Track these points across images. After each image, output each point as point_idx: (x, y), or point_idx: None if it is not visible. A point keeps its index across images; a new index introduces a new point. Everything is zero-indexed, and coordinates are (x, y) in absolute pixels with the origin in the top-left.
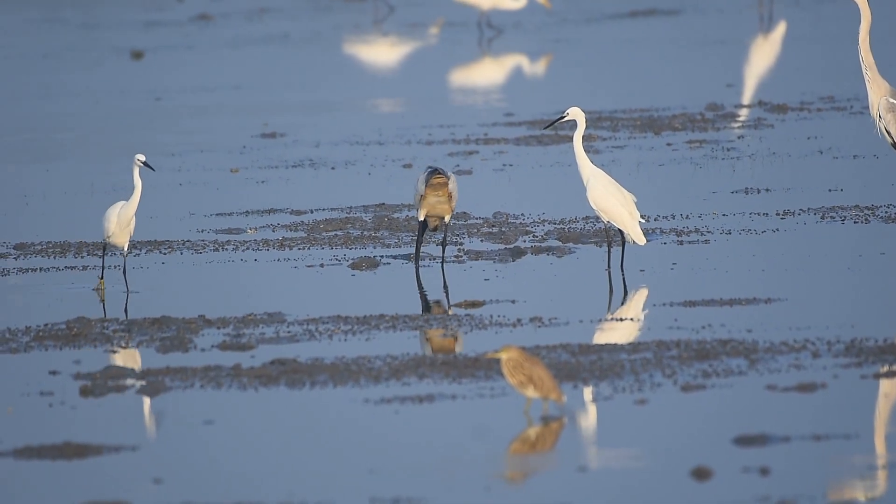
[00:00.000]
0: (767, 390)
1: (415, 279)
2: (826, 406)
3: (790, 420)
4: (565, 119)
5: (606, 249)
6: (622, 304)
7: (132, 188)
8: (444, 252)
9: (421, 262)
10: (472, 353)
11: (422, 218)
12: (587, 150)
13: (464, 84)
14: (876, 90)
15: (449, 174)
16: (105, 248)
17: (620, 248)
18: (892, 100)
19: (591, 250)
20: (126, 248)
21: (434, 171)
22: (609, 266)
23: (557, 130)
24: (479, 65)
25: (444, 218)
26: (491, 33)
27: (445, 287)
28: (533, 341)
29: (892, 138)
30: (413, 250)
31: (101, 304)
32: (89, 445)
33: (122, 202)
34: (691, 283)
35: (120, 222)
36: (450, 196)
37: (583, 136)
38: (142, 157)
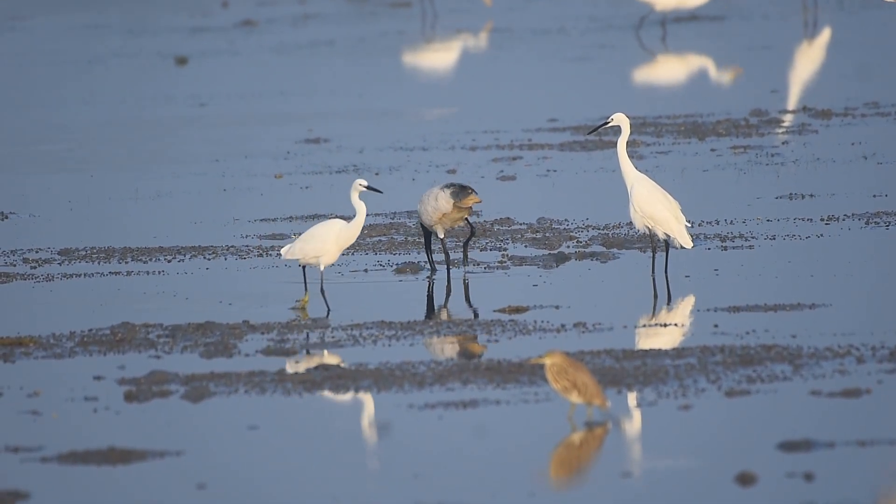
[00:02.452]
0: (812, 396)
1: (459, 285)
2: (871, 411)
3: (834, 426)
4: (609, 125)
5: (651, 255)
6: (666, 309)
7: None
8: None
9: (465, 268)
10: (515, 358)
11: (442, 235)
12: (631, 156)
13: (508, 89)
14: None
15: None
16: (304, 266)
17: (664, 253)
18: None
19: (635, 256)
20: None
21: (465, 190)
22: (654, 272)
23: (601, 136)
24: (521, 70)
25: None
26: (658, 32)
27: (444, 294)
28: (577, 346)
29: None
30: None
31: (300, 316)
32: (133, 451)
33: (340, 221)
34: (735, 289)
35: (339, 243)
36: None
37: (627, 142)
38: (363, 182)
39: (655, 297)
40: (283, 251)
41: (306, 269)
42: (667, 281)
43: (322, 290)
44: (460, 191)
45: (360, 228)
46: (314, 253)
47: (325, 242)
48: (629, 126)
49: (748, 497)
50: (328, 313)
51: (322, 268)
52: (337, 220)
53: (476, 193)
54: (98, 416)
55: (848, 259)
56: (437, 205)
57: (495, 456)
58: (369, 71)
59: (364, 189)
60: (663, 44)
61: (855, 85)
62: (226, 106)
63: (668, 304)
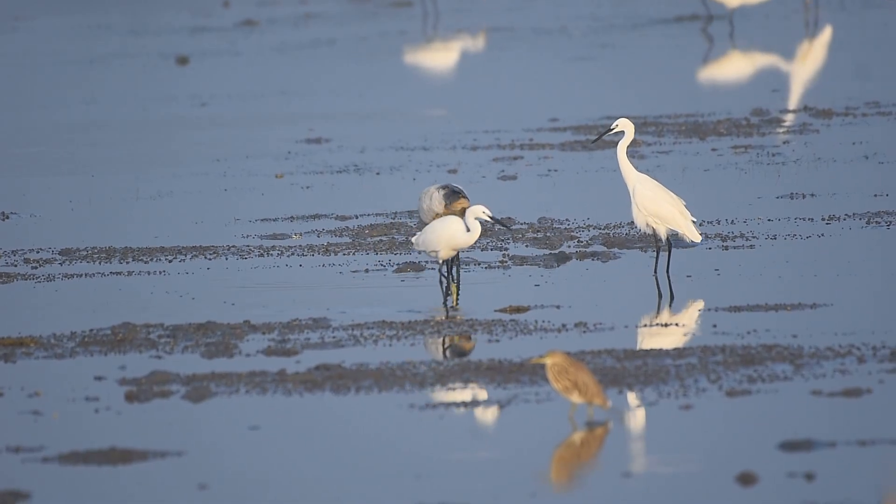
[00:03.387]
0: (813, 395)
1: (463, 284)
2: (872, 411)
3: (836, 425)
4: (614, 130)
5: (655, 255)
6: (667, 309)
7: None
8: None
9: (465, 268)
10: (516, 358)
11: None
12: (632, 156)
13: (509, 89)
14: None
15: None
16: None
17: (666, 253)
18: None
19: (636, 255)
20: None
21: (455, 195)
22: (656, 272)
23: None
24: (522, 70)
25: None
26: (729, 28)
27: (456, 292)
28: (578, 346)
29: None
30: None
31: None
32: (134, 451)
33: (458, 223)
34: (736, 289)
35: (450, 244)
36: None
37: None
38: (487, 212)
39: (656, 297)
40: (413, 239)
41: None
42: (669, 281)
43: (441, 281)
44: (451, 195)
45: (474, 241)
46: (431, 247)
47: (440, 239)
48: (633, 131)
49: (749, 497)
50: (445, 302)
51: (440, 261)
52: (456, 220)
53: (466, 198)
54: (99, 416)
55: (849, 259)
56: (431, 204)
57: (496, 456)
58: (370, 71)
59: (487, 219)
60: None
61: (856, 84)
62: (227, 106)
63: (670, 303)
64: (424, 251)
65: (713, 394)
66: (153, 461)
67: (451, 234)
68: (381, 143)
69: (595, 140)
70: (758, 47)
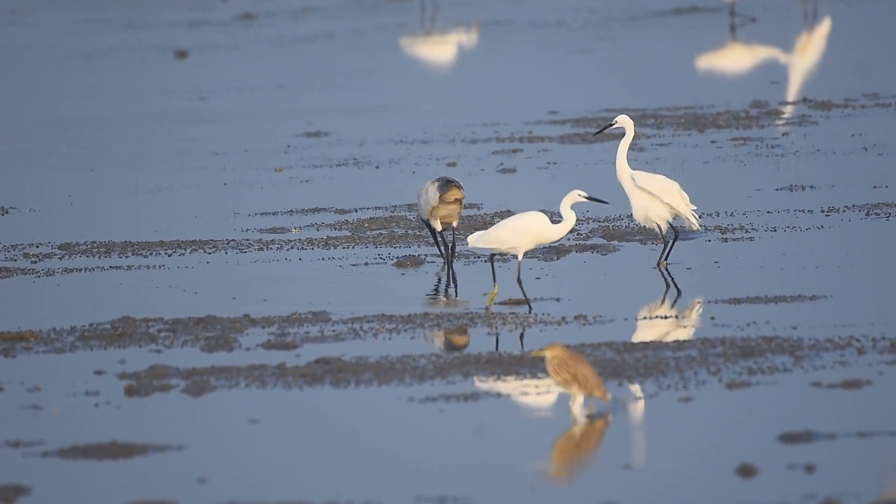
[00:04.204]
0: (812, 387)
1: (460, 278)
2: (872, 403)
3: (835, 417)
4: (614, 126)
5: (662, 247)
6: (667, 301)
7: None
8: (452, 255)
9: (465, 260)
10: (516, 351)
11: (439, 228)
12: (631, 148)
13: (508, 81)
14: None
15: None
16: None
17: (667, 244)
18: None
19: (635, 248)
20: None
21: (449, 184)
22: (659, 264)
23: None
24: (522, 62)
25: (452, 223)
26: (739, 20)
27: (455, 285)
28: (577, 339)
29: None
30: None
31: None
32: (135, 445)
33: (543, 217)
34: (736, 281)
35: (537, 239)
36: (461, 202)
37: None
38: (583, 193)
39: (655, 289)
40: (471, 239)
41: (495, 260)
42: (667, 273)
43: (519, 281)
44: (445, 184)
45: (564, 234)
46: (511, 243)
47: (524, 236)
48: (633, 128)
49: (749, 489)
50: (529, 305)
51: (520, 258)
52: (539, 214)
53: (460, 188)
54: (99, 410)
55: (848, 250)
56: (428, 198)
57: (496, 449)
58: (369, 64)
59: (585, 200)
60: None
61: (855, 76)
62: (225, 99)
63: (669, 296)
64: (493, 248)
65: (713, 386)
66: (153, 455)
67: (537, 229)
68: (380, 136)
69: (597, 133)
70: (757, 39)
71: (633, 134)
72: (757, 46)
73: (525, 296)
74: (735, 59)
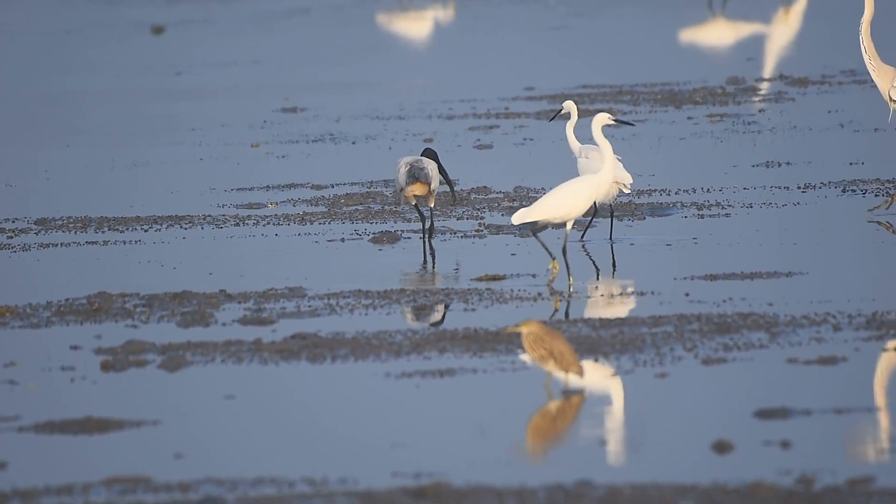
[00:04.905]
0: (788, 364)
1: (437, 253)
2: (847, 379)
3: (811, 393)
4: (562, 112)
5: (609, 222)
6: (643, 277)
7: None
8: (431, 232)
9: (440, 236)
10: (492, 327)
11: (412, 203)
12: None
13: (484, 58)
14: (883, 76)
15: (430, 175)
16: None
17: (609, 220)
18: None
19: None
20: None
21: (415, 179)
22: (611, 237)
23: (578, 105)
24: (499, 39)
25: (429, 203)
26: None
27: (433, 261)
28: (553, 315)
29: None
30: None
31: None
32: (110, 420)
33: (591, 177)
34: (712, 257)
35: (594, 198)
36: (430, 192)
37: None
38: (611, 116)
39: (632, 265)
40: (516, 217)
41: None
42: (609, 251)
43: (564, 252)
44: (411, 177)
45: (613, 172)
46: (565, 212)
47: (580, 199)
48: (577, 112)
49: (725, 464)
50: (569, 277)
51: (569, 228)
52: (587, 178)
53: (424, 184)
54: (75, 385)
55: (824, 227)
56: (398, 178)
57: (472, 425)
58: (345, 40)
59: (613, 123)
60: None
61: (831, 53)
62: (202, 75)
63: (646, 272)
64: (543, 221)
65: (689, 362)
66: (129, 430)
67: (595, 187)
68: (356, 112)
69: (551, 120)
70: (733, 15)
71: (577, 117)
72: (734, 22)
73: (568, 268)
74: (712, 35)
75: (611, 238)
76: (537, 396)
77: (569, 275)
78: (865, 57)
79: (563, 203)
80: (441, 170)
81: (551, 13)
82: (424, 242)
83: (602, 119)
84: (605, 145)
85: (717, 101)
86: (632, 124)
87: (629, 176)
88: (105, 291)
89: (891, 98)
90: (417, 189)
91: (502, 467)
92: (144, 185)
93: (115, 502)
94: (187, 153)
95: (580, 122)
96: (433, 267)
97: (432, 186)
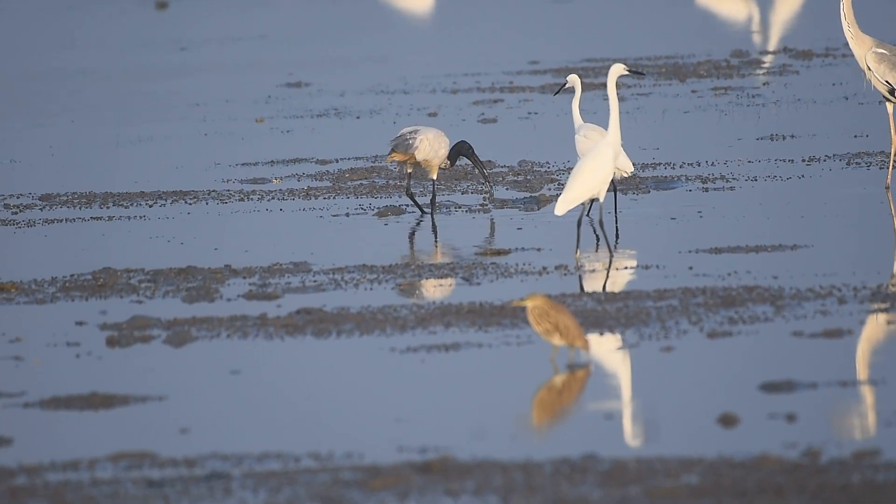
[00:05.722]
0: (794, 337)
1: (442, 227)
2: (852, 352)
3: (816, 366)
4: (566, 86)
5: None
6: (648, 251)
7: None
8: (433, 207)
9: (444, 210)
10: (497, 301)
11: (408, 170)
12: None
13: (489, 32)
14: (860, 45)
15: (413, 146)
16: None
17: (613, 194)
18: (878, 49)
19: (615, 197)
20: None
21: (393, 149)
22: (614, 214)
23: (583, 78)
24: (503, 13)
25: (430, 176)
26: None
27: (435, 235)
28: (559, 289)
29: (889, 86)
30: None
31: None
32: (116, 396)
33: (603, 142)
34: (717, 230)
35: (615, 161)
36: (419, 163)
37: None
38: (625, 66)
39: (636, 238)
40: (559, 208)
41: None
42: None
43: (602, 224)
44: (392, 145)
45: (619, 133)
46: (597, 185)
47: (605, 168)
48: (581, 86)
49: (731, 438)
50: (577, 251)
51: (602, 199)
52: (599, 147)
53: (402, 153)
54: (80, 361)
55: (829, 200)
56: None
57: (477, 399)
58: (350, 15)
59: (627, 73)
60: None
61: (836, 25)
62: (206, 50)
63: (651, 245)
64: (584, 199)
65: (694, 335)
66: (134, 406)
67: (613, 153)
68: (360, 86)
69: (555, 94)
70: None
71: (580, 91)
72: None
73: (606, 239)
74: (717, 7)
75: (615, 212)
76: (543, 370)
77: (577, 248)
78: (844, 24)
79: (593, 178)
80: (475, 161)
81: None
82: (422, 213)
83: (618, 69)
84: (614, 99)
85: (722, 74)
86: (643, 74)
87: (630, 164)
88: (110, 267)
89: (867, 66)
90: (396, 157)
91: (508, 441)
92: (149, 161)
93: (121, 477)
94: (191, 129)
95: (584, 97)
96: (436, 241)
97: (419, 157)
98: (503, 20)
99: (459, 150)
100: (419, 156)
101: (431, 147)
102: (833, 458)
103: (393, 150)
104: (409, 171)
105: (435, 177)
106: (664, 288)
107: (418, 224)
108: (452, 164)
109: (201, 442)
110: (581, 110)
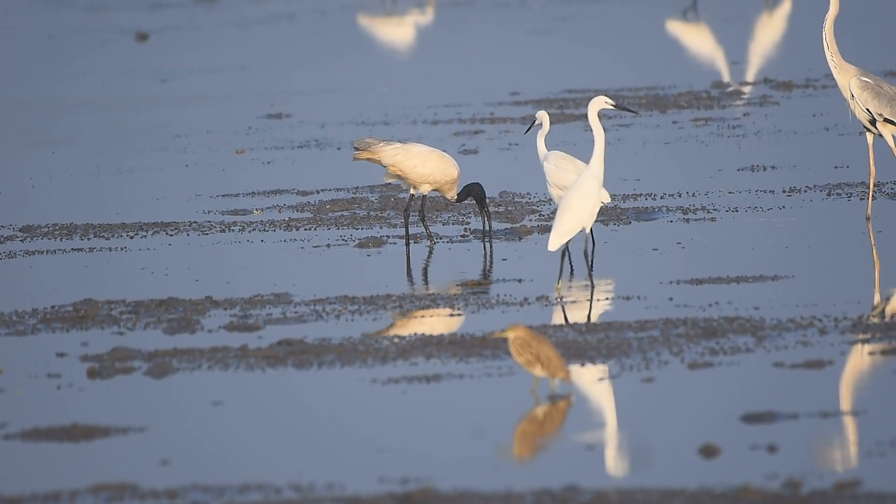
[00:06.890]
0: (775, 367)
1: (422, 258)
2: (834, 383)
3: (797, 397)
4: (536, 123)
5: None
6: (629, 282)
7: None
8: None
9: (423, 241)
10: (479, 332)
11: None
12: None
13: (470, 63)
14: (843, 73)
15: (380, 146)
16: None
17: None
18: (862, 78)
19: (596, 229)
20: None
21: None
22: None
23: (563, 109)
24: (483, 44)
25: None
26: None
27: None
28: (540, 320)
29: (870, 115)
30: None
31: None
32: (97, 427)
33: (585, 173)
34: (698, 261)
35: (597, 207)
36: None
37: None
38: (609, 100)
39: (617, 269)
40: (552, 245)
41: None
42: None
43: (586, 253)
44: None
45: (602, 162)
46: (586, 217)
47: (591, 199)
48: (549, 122)
49: (712, 469)
50: (558, 281)
51: (588, 229)
52: (582, 178)
53: (360, 149)
54: (61, 392)
55: (810, 231)
56: None
57: (459, 430)
58: (330, 46)
59: (611, 106)
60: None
61: (816, 56)
62: (187, 81)
63: (632, 276)
64: (576, 232)
65: (675, 366)
66: (115, 437)
67: (597, 183)
68: (341, 117)
69: (527, 131)
70: (718, 19)
71: (548, 126)
72: (718, 25)
73: (561, 272)
74: (696, 38)
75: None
76: (524, 401)
77: (559, 279)
78: (828, 53)
79: (582, 211)
80: (482, 206)
81: (535, 17)
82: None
83: (598, 102)
84: (598, 131)
85: (702, 104)
86: (635, 112)
87: (607, 194)
88: (91, 298)
89: (851, 95)
90: (361, 155)
91: (489, 472)
92: (130, 192)
93: None
94: (172, 160)
95: (565, 128)
96: (421, 271)
97: (385, 162)
98: (484, 51)
99: (471, 190)
100: (385, 160)
101: (408, 158)
102: (814, 489)
103: (355, 148)
104: (412, 192)
105: (422, 193)
106: (645, 319)
107: (400, 255)
108: (460, 200)
109: (182, 473)
110: (561, 142)
